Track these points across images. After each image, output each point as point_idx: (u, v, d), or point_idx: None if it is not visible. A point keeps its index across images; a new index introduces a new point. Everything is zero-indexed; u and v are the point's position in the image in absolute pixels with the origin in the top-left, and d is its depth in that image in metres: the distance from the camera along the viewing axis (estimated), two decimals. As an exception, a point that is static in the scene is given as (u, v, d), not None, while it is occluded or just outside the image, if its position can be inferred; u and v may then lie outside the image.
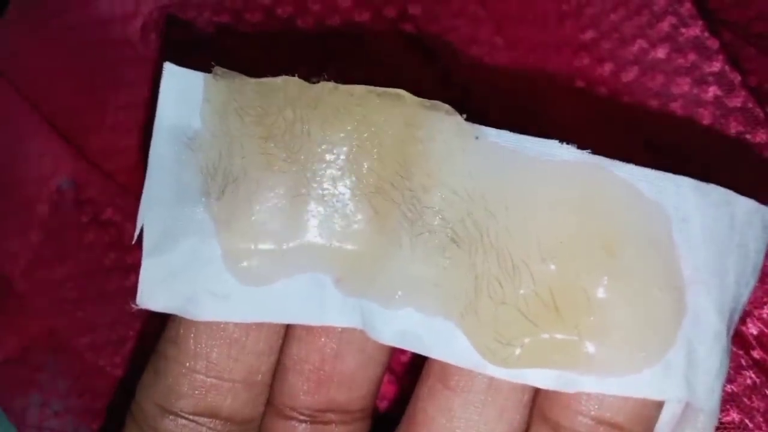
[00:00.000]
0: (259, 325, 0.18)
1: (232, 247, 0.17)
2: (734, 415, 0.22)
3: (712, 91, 0.23)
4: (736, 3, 0.25)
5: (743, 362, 0.22)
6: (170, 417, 0.18)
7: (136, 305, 0.17)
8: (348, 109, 0.16)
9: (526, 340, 0.16)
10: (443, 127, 0.16)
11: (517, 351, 0.16)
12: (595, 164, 0.16)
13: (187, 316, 0.17)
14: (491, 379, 0.17)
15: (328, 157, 0.17)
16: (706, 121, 0.23)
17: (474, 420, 0.17)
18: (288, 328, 0.18)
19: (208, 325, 0.17)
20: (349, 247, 0.17)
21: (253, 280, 0.17)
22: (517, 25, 0.25)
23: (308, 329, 0.18)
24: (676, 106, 0.24)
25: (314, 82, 0.17)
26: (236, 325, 0.17)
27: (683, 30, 0.24)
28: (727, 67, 0.23)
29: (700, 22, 0.24)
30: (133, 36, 0.26)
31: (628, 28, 0.24)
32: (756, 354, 0.22)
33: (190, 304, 0.17)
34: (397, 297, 0.17)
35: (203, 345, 0.17)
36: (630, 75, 0.24)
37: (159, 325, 0.25)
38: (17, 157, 0.27)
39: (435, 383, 0.18)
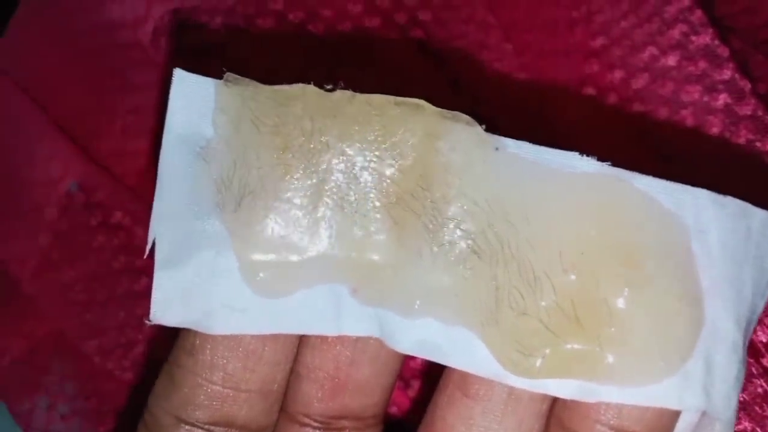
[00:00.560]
0: (276, 336, 0.18)
1: (250, 260, 0.17)
2: (746, 424, 0.22)
3: (723, 98, 0.23)
4: (745, 10, 0.25)
5: (754, 371, 0.22)
6: (186, 427, 0.18)
7: (149, 321, 0.17)
8: (367, 119, 0.16)
9: (547, 351, 0.16)
10: (463, 138, 0.16)
11: (538, 361, 0.16)
12: (615, 176, 0.16)
13: (203, 330, 0.17)
14: (511, 388, 0.17)
15: (346, 167, 0.17)
16: (716, 129, 0.23)
17: (494, 429, 0.17)
18: (302, 337, 0.18)
19: (225, 336, 0.17)
20: (368, 257, 0.17)
21: (270, 292, 0.17)
22: (527, 31, 0.25)
23: (323, 338, 0.18)
24: (686, 114, 0.24)
25: (328, 90, 0.17)
26: (253, 336, 0.17)
27: (694, 38, 0.24)
28: (737, 75, 0.23)
29: (711, 30, 0.24)
30: (143, 40, 0.26)
31: (638, 35, 0.24)
32: (766, 362, 0.22)
33: (206, 318, 0.17)
34: (416, 306, 0.17)
35: (220, 357, 0.17)
36: (640, 82, 0.24)
37: (168, 329, 0.25)
38: (26, 161, 0.27)
39: (454, 391, 0.18)
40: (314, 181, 0.17)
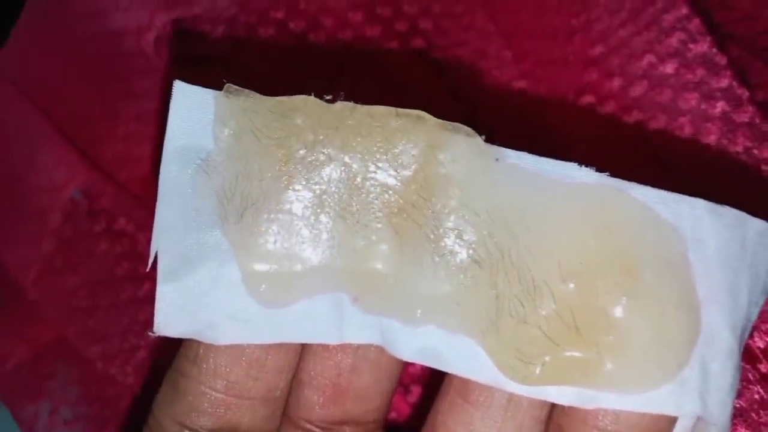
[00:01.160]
0: (279, 345, 0.18)
1: (252, 271, 0.17)
2: (742, 430, 0.22)
3: (720, 106, 0.24)
4: (744, 17, 0.26)
5: (750, 377, 0.22)
6: None
7: (153, 333, 0.17)
8: (368, 130, 0.17)
9: (547, 358, 0.16)
10: (464, 149, 0.17)
11: (538, 369, 0.16)
12: (613, 186, 0.17)
13: (207, 341, 0.17)
14: (511, 394, 0.17)
15: (348, 178, 0.17)
16: (713, 136, 0.24)
17: None
18: (305, 345, 0.19)
19: (228, 345, 0.17)
20: (370, 267, 0.17)
21: (273, 302, 0.17)
22: (527, 39, 0.25)
23: (324, 345, 0.18)
24: (684, 121, 0.24)
25: (329, 100, 0.17)
26: (256, 345, 0.18)
27: (692, 46, 0.24)
28: (734, 83, 0.24)
29: (709, 38, 0.24)
30: (146, 48, 0.26)
31: (637, 43, 0.24)
32: (763, 368, 0.22)
33: (209, 329, 0.17)
34: (418, 315, 0.17)
35: (223, 365, 0.18)
36: (639, 90, 0.24)
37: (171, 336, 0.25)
38: (30, 167, 0.27)
39: (455, 397, 0.18)
40: (316, 192, 0.17)
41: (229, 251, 0.17)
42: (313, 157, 0.17)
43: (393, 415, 0.24)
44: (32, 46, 0.28)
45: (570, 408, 0.17)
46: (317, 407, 0.18)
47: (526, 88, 0.25)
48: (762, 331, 0.23)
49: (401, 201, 0.17)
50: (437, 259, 0.17)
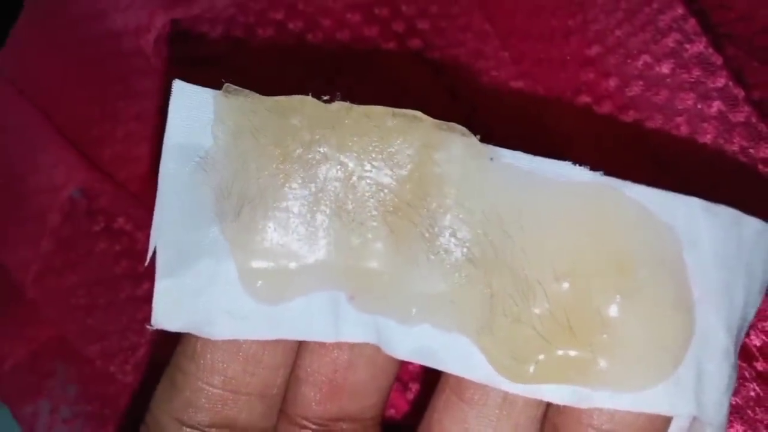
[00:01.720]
0: (276, 341, 0.18)
1: (249, 268, 0.17)
2: (738, 427, 0.22)
3: (716, 106, 0.24)
4: (741, 17, 0.26)
5: (747, 374, 0.23)
6: (187, 429, 0.18)
7: (151, 326, 0.17)
8: (365, 130, 0.17)
9: (541, 357, 0.16)
10: (459, 149, 0.17)
11: (532, 367, 0.16)
12: (608, 185, 0.17)
13: (204, 336, 0.17)
14: (506, 393, 0.17)
15: (344, 177, 0.17)
16: (709, 136, 0.24)
17: None
18: (302, 342, 0.19)
19: (225, 341, 0.18)
20: (365, 265, 0.17)
21: (269, 299, 0.17)
22: (523, 40, 0.25)
23: (321, 342, 0.18)
24: (680, 121, 0.24)
25: (326, 101, 0.17)
26: (253, 341, 0.18)
27: (688, 46, 0.24)
28: (730, 83, 0.24)
29: (705, 39, 0.24)
30: (145, 48, 0.26)
31: (633, 43, 0.24)
32: (759, 366, 0.22)
33: (206, 324, 0.17)
34: (413, 313, 0.17)
35: (220, 361, 0.18)
36: (635, 90, 0.24)
37: (170, 332, 0.25)
38: (30, 167, 0.27)
39: (450, 395, 0.18)
40: (312, 190, 0.17)
41: (227, 248, 0.17)
42: (309, 156, 0.17)
43: (391, 412, 0.24)
44: (31, 46, 0.29)
45: (565, 407, 0.17)
46: (314, 404, 0.19)
47: (523, 88, 0.25)
48: (758, 329, 0.23)
49: (397, 200, 0.17)
50: (432, 257, 0.17)
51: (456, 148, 0.17)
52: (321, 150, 0.17)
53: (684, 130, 0.24)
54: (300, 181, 0.17)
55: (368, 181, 0.17)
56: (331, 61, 0.25)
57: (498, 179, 0.17)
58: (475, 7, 0.26)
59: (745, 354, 0.23)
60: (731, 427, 0.22)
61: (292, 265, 0.17)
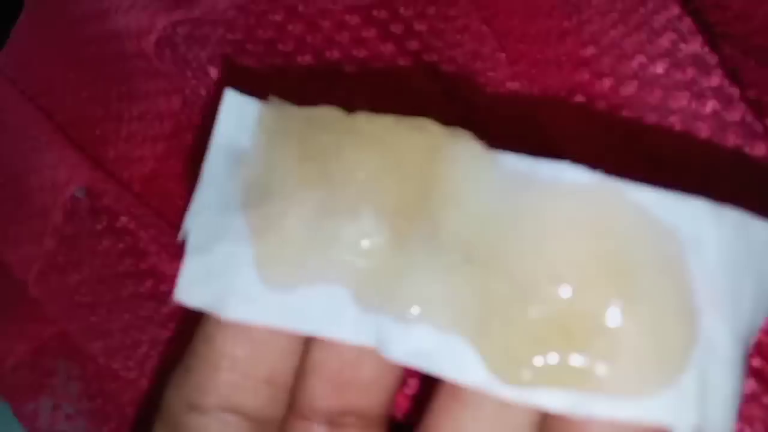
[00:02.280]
0: (284, 330, 0.18)
1: (263, 254, 0.18)
2: (735, 424, 0.22)
3: (711, 105, 0.24)
4: (737, 16, 0.26)
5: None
6: (197, 412, 0.19)
7: (172, 301, 0.19)
8: (377, 135, 0.18)
9: (538, 362, 0.16)
10: (462, 153, 0.17)
11: (528, 372, 0.16)
12: (608, 187, 0.16)
13: (217, 313, 0.18)
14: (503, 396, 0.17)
15: (355, 178, 0.18)
16: (704, 134, 0.24)
17: None
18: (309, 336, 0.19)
19: (236, 327, 0.18)
20: (368, 263, 0.18)
21: (277, 285, 0.18)
22: (520, 41, 0.25)
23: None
24: (674, 120, 0.24)
25: (349, 110, 0.18)
26: (262, 328, 0.18)
27: (682, 46, 0.24)
28: (726, 82, 0.24)
29: (700, 38, 0.24)
30: (147, 50, 0.27)
31: (627, 44, 0.24)
32: (756, 362, 0.23)
33: (220, 303, 0.18)
34: (411, 314, 0.17)
35: (230, 345, 0.18)
36: (629, 89, 0.24)
37: (171, 330, 0.26)
38: (33, 167, 0.28)
39: (447, 397, 0.18)
40: (325, 189, 0.18)
41: (247, 236, 0.18)
42: (325, 157, 0.18)
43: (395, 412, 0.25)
44: (32, 47, 0.29)
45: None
46: (321, 397, 0.19)
47: (519, 89, 0.25)
48: (754, 326, 0.23)
49: (400, 201, 0.17)
50: (432, 258, 0.17)
51: (459, 152, 0.17)
52: (337, 152, 0.18)
53: (678, 129, 0.24)
54: (316, 180, 0.18)
55: (373, 183, 0.18)
56: (331, 62, 0.26)
57: (498, 182, 0.17)
58: (473, 9, 0.26)
59: (741, 351, 0.23)
60: (725, 421, 0.23)
61: (301, 256, 0.18)
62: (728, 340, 0.16)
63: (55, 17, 0.29)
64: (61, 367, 0.28)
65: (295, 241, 0.18)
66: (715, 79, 0.24)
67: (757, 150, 0.24)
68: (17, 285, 0.27)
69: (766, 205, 0.18)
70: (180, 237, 0.19)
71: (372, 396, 0.19)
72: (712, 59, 0.24)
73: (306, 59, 0.26)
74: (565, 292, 0.16)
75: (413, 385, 0.25)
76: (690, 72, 0.24)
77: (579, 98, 0.25)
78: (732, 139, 0.24)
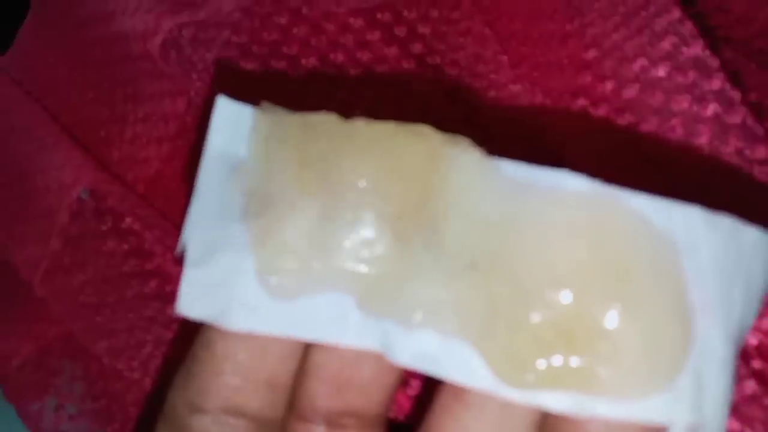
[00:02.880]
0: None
1: (265, 263, 0.18)
2: (734, 424, 0.23)
3: (712, 108, 0.24)
4: (738, 20, 0.26)
5: (743, 372, 0.23)
6: (199, 415, 0.19)
7: (175, 313, 0.18)
8: (377, 142, 0.18)
9: (540, 365, 0.17)
10: (463, 160, 0.17)
11: (532, 375, 0.17)
12: (607, 194, 0.17)
13: (221, 325, 0.18)
14: (505, 398, 0.17)
15: (355, 185, 0.18)
16: (705, 138, 0.24)
17: None
18: None
19: (238, 332, 0.18)
20: (371, 270, 0.18)
21: (280, 294, 0.18)
22: (522, 44, 0.26)
23: None
24: (676, 123, 0.24)
25: (347, 116, 0.18)
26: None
27: (684, 49, 0.24)
28: (727, 85, 0.24)
29: (701, 41, 0.24)
30: (152, 52, 0.27)
31: (629, 47, 0.24)
32: (756, 364, 0.23)
33: (223, 314, 0.18)
34: (415, 320, 0.17)
35: (232, 349, 0.18)
36: (631, 92, 0.24)
37: (175, 330, 0.26)
38: (39, 168, 0.28)
39: (449, 398, 0.18)
40: (326, 196, 0.18)
41: (248, 244, 0.18)
42: (325, 165, 0.18)
43: (395, 412, 0.25)
44: (38, 48, 0.29)
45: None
46: (320, 398, 0.19)
47: (521, 92, 0.25)
48: (756, 328, 0.23)
49: (402, 208, 0.18)
50: (434, 264, 0.17)
51: (460, 160, 0.17)
52: (336, 159, 0.18)
53: (679, 132, 0.24)
54: (315, 188, 0.18)
55: (375, 189, 0.18)
56: (335, 64, 0.26)
57: (499, 189, 0.17)
58: (475, 12, 0.26)
59: (742, 352, 0.23)
60: (727, 423, 0.23)
61: (303, 264, 0.18)
62: (721, 341, 0.17)
63: (61, 19, 0.29)
64: (66, 367, 0.28)
65: (297, 249, 0.18)
66: (717, 83, 0.24)
67: (758, 153, 0.24)
68: (23, 285, 0.28)
69: (765, 208, 0.19)
70: (178, 249, 0.19)
71: (371, 396, 0.19)
72: (714, 62, 0.24)
73: (310, 62, 0.26)
74: (566, 296, 0.17)
75: (415, 385, 0.25)
76: (691, 75, 0.24)
77: (581, 101, 0.25)
78: (733, 142, 0.24)
